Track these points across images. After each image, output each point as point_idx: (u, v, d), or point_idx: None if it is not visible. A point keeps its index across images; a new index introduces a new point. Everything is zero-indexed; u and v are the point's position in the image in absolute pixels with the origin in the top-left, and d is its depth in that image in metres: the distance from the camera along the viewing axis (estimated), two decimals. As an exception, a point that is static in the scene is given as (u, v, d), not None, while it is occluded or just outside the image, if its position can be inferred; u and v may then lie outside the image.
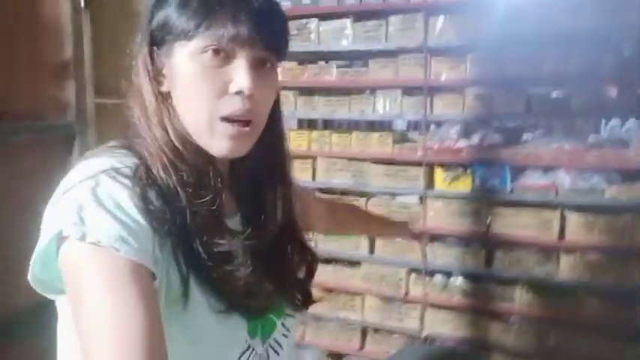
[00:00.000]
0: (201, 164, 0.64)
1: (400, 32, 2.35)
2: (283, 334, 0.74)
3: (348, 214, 1.29)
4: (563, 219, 2.27)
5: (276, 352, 0.73)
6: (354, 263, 2.63)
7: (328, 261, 2.67)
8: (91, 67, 2.20)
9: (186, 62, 0.63)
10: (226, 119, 0.63)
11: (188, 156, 0.64)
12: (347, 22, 2.45)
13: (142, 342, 0.51)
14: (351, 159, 2.54)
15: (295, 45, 2.53)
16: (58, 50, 2.04)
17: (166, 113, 0.65)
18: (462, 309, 2.44)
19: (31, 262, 0.58)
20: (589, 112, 2.25)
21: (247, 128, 0.64)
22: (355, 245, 2.59)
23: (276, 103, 0.72)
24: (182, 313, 0.60)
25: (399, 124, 2.71)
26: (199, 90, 0.63)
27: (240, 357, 0.67)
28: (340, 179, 2.58)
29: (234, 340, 0.67)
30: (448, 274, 2.49)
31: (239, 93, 0.62)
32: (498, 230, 2.34)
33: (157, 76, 0.66)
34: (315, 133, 2.60)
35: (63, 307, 0.64)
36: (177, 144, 0.64)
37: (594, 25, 2.06)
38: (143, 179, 0.60)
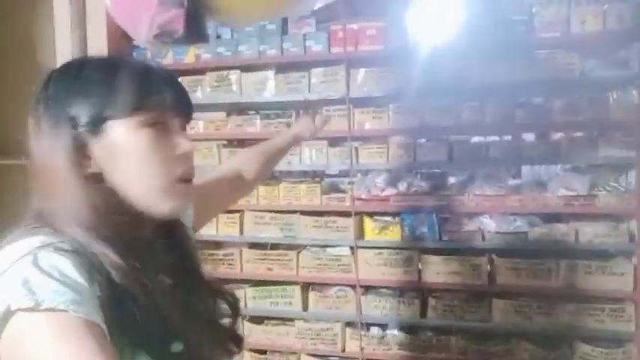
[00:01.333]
0: (132, 231, 0.67)
1: (323, 83, 2.35)
2: None
3: (253, 163, 1.25)
4: (491, 263, 2.29)
5: None
6: (287, 320, 2.52)
7: (260, 320, 2.54)
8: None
9: (129, 137, 0.66)
10: (181, 180, 0.70)
11: (116, 228, 0.65)
12: (269, 73, 2.42)
13: None
14: (278, 211, 2.46)
15: (217, 96, 2.47)
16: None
17: (94, 192, 0.66)
18: (400, 362, 2.37)
19: None
20: (508, 158, 2.31)
21: (191, 186, 0.72)
22: (288, 302, 2.48)
23: None
24: None
25: (331, 172, 2.69)
26: (150, 159, 0.67)
27: None
28: (269, 233, 2.48)
29: None
30: (384, 327, 2.43)
31: (185, 155, 0.70)
32: (430, 278, 2.32)
33: (81, 160, 0.66)
34: (240, 186, 2.51)
35: None
36: (103, 219, 0.64)
37: (508, 76, 2.14)
38: (80, 251, 0.61)
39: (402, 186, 2.39)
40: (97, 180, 0.67)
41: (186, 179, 0.71)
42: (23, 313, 0.53)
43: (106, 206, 0.65)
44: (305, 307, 2.47)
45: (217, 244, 2.64)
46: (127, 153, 0.66)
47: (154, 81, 0.69)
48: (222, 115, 2.54)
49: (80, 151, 0.66)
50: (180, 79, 2.31)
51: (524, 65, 2.14)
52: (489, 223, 2.30)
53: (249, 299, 2.52)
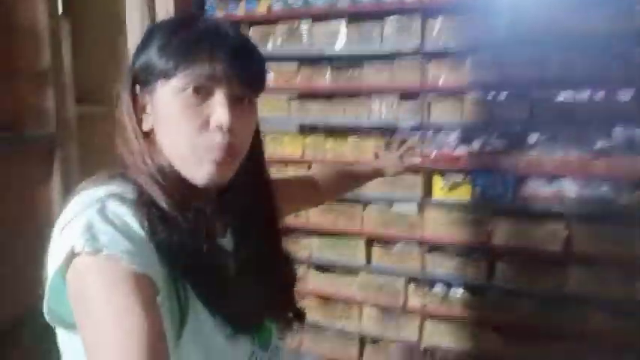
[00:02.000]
0: (187, 194, 0.68)
1: (396, 34, 2.23)
2: (279, 338, 0.80)
3: (329, 181, 1.24)
4: (569, 229, 2.15)
5: (277, 357, 0.79)
6: (351, 271, 2.56)
7: (325, 269, 2.61)
8: (72, 75, 2.13)
9: (168, 100, 0.66)
10: (212, 151, 0.67)
11: (173, 187, 0.67)
12: (341, 23, 2.33)
13: (144, 351, 0.53)
14: (346, 165, 2.44)
15: (287, 48, 2.43)
16: (35, 58, 1.98)
17: (148, 150, 0.68)
18: (463, 321, 2.36)
19: (46, 293, 0.61)
20: (598, 117, 2.10)
21: (228, 157, 0.69)
22: (352, 253, 2.51)
23: (257, 133, 0.77)
24: (185, 331, 0.64)
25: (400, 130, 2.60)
26: (181, 126, 0.66)
27: None
28: (336, 186, 2.49)
29: (239, 350, 0.71)
30: (448, 285, 2.40)
31: (219, 128, 0.66)
32: (500, 240, 2.23)
33: (139, 115, 0.70)
34: (309, 139, 2.51)
35: (65, 342, 0.66)
36: (159, 178, 0.67)
37: (604, 26, 1.91)
38: (146, 203, 0.64)
39: (477, 144, 2.27)
40: (150, 139, 0.70)
41: (219, 151, 0.67)
42: (84, 256, 0.57)
43: (155, 161, 0.68)
44: (369, 261, 2.49)
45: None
46: (165, 115, 0.67)
47: (206, 47, 0.66)
48: (292, 66, 2.51)
49: (138, 108, 0.69)
50: (251, 31, 2.31)
51: (621, 12, 1.88)
52: (571, 187, 2.14)
53: (315, 248, 2.59)
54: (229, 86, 0.67)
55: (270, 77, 2.53)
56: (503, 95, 2.20)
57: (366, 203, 2.49)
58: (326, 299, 2.61)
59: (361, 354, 2.59)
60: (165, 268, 0.62)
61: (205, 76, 0.65)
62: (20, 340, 1.72)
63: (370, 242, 2.51)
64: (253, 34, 2.48)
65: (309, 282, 2.63)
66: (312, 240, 2.59)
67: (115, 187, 0.65)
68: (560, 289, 2.16)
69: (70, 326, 0.61)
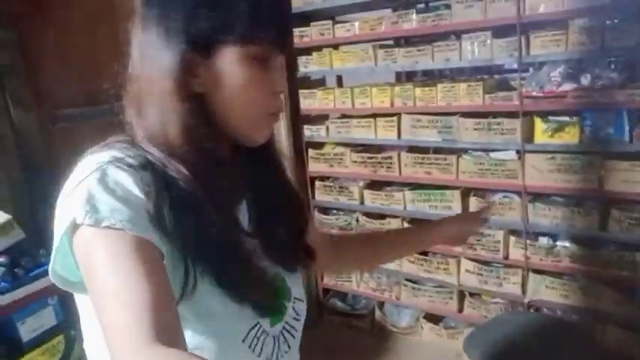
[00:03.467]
0: (223, 155, 0.69)
1: (487, -36, 2.03)
2: (294, 318, 0.77)
3: (352, 242, 1.07)
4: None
5: (292, 335, 0.76)
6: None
7: (419, 222, 2.54)
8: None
9: (236, 67, 0.66)
10: (271, 114, 0.71)
11: (204, 150, 0.65)
12: (425, -41, 2.18)
13: (150, 311, 0.53)
14: (437, 114, 2.33)
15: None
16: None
17: (190, 113, 0.64)
18: (571, 275, 2.17)
19: (51, 258, 0.62)
20: None
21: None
22: (448, 205, 2.42)
23: None
24: (190, 294, 0.63)
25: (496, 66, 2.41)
26: (250, 93, 0.67)
27: (248, 332, 0.68)
28: (427, 137, 2.39)
29: (241, 317, 0.68)
30: (553, 237, 2.21)
31: (280, 92, 0.70)
32: (615, 187, 1.99)
33: (187, 78, 0.64)
34: (397, 89, 2.42)
35: (82, 303, 0.67)
36: (188, 140, 0.64)
37: None
38: (147, 167, 0.62)
39: (585, 79, 2.02)
40: (197, 102, 0.65)
41: (278, 114, 0.72)
42: (86, 227, 0.57)
43: (197, 130, 0.65)
44: (465, 211, 2.38)
45: (377, 148, 2.65)
46: (231, 82, 0.66)
47: (270, 14, 0.67)
48: (376, 13, 2.41)
49: (187, 70, 0.64)
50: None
51: None
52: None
53: (408, 202, 2.53)
54: (284, 54, 0.70)
55: (356, 27, 2.47)
56: (615, 20, 1.91)
57: (460, 152, 2.37)
58: (423, 253, 2.56)
59: (461, 308, 2.52)
60: (168, 235, 0.60)
61: (270, 45, 0.67)
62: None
63: (467, 192, 2.39)
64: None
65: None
66: (405, 193, 2.53)
67: (116, 153, 0.63)
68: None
69: (79, 289, 0.62)
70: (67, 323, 1.52)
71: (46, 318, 1.48)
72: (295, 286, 0.79)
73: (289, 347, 0.75)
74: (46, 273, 0.71)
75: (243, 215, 0.74)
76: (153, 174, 0.62)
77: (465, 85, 2.23)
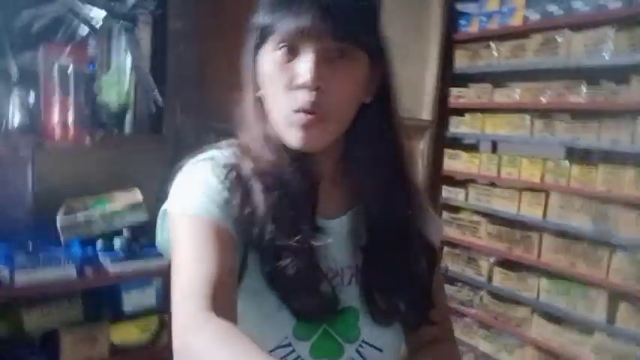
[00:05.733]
0: (285, 160, 0.67)
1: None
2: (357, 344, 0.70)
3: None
4: None
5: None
6: (585, 328, 2.10)
7: (552, 317, 2.21)
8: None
9: (266, 61, 0.65)
10: (299, 111, 0.63)
11: (273, 154, 0.67)
12: (608, 31, 1.99)
13: (213, 283, 0.57)
14: (593, 198, 2.05)
15: (541, 61, 2.21)
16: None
17: (258, 116, 0.69)
18: None
19: (156, 231, 0.73)
20: None
21: (315, 119, 0.63)
22: (590, 306, 2.06)
23: (386, 93, 0.70)
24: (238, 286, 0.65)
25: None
26: (274, 86, 0.64)
27: (275, 349, 0.66)
28: (577, 222, 2.10)
29: (274, 329, 0.66)
30: None
31: (304, 85, 0.61)
32: None
33: (254, 80, 0.69)
34: (550, 163, 2.20)
35: None
36: (263, 143, 0.68)
37: None
38: (235, 166, 0.67)
39: None
40: (258, 104, 0.69)
41: (304, 112, 0.62)
42: (174, 214, 0.66)
43: (256, 131, 0.69)
44: (611, 320, 2.00)
45: (518, 224, 2.41)
46: (263, 77, 0.66)
47: (294, 1, 0.62)
48: (541, 82, 2.26)
49: (254, 73, 0.68)
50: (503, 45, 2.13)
51: None
52: None
53: (543, 291, 2.23)
54: (318, 41, 0.61)
55: (516, 93, 2.34)
56: None
57: (615, 247, 2.03)
58: (549, 353, 2.21)
59: None
60: (239, 227, 0.64)
61: (291, 33, 0.61)
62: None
63: (616, 297, 2.02)
64: (504, 48, 2.35)
65: (532, 329, 2.27)
66: (541, 280, 2.24)
67: (216, 152, 0.70)
68: None
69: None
70: (164, 307, 1.63)
71: (148, 296, 1.62)
72: (374, 330, 0.70)
73: None
74: (157, 254, 0.84)
75: (344, 224, 0.72)
76: (237, 172, 0.67)
77: (633, 171, 1.93)
